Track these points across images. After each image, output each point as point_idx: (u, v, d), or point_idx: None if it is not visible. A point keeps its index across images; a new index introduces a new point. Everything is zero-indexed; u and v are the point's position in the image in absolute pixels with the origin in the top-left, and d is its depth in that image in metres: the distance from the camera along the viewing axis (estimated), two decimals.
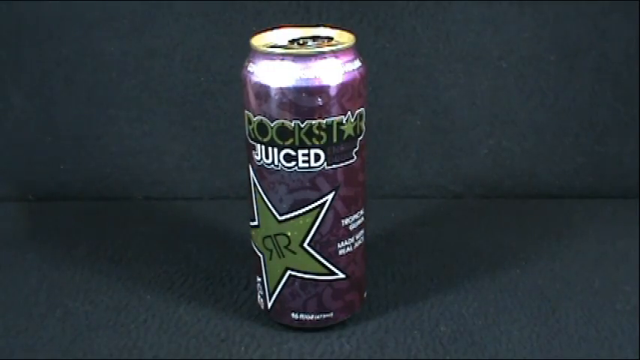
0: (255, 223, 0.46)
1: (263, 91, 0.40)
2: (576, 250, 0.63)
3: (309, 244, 0.44)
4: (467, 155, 0.74)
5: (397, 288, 0.56)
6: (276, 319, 0.49)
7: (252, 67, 0.42)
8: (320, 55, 0.40)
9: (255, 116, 0.41)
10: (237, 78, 0.44)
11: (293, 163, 0.41)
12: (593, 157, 0.75)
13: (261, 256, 0.47)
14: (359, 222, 0.46)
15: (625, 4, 0.70)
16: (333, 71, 0.40)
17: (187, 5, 0.70)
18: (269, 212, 0.44)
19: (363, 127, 0.43)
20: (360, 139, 0.43)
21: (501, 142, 0.74)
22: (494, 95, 0.73)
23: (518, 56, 0.72)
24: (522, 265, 0.60)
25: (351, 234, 0.46)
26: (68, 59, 0.72)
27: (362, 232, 0.47)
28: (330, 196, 0.42)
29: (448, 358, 0.47)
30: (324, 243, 0.44)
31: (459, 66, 0.72)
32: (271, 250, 0.45)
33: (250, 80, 0.41)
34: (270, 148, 0.41)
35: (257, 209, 0.45)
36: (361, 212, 0.46)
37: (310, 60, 0.39)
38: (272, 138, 0.41)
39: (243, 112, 0.44)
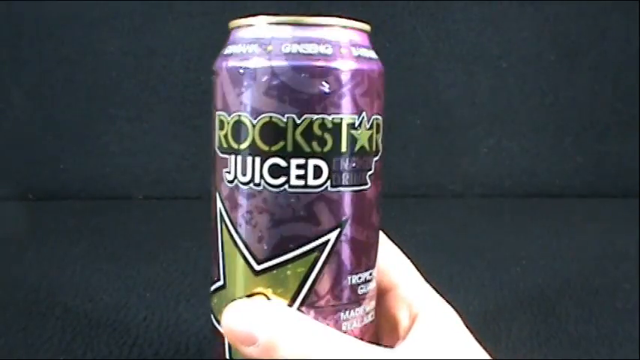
0: (220, 283, 0.32)
1: (246, 74, 0.28)
2: (576, 249, 0.63)
3: (298, 309, 0.29)
4: (467, 154, 0.74)
5: None
6: None
7: (229, 49, 0.30)
8: (329, 25, 0.29)
9: (230, 114, 0.29)
10: None
11: (282, 180, 0.28)
12: (593, 156, 0.75)
13: (225, 343, 0.31)
14: (370, 286, 0.31)
15: (625, 4, 0.70)
16: (345, 50, 0.28)
17: (187, 5, 0.70)
18: (242, 260, 0.30)
19: (380, 145, 0.31)
20: (375, 159, 0.30)
21: (501, 141, 0.74)
22: (494, 95, 0.73)
23: (518, 56, 0.72)
24: (522, 264, 0.60)
25: (359, 301, 0.30)
26: (68, 59, 0.72)
27: (373, 303, 0.31)
28: (333, 235, 0.29)
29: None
30: (321, 311, 0.29)
31: (459, 65, 0.72)
32: None
33: (225, 66, 0.30)
34: (249, 159, 0.29)
35: (223, 261, 0.31)
36: (373, 272, 0.31)
37: (315, 29, 0.28)
38: (253, 142, 0.28)
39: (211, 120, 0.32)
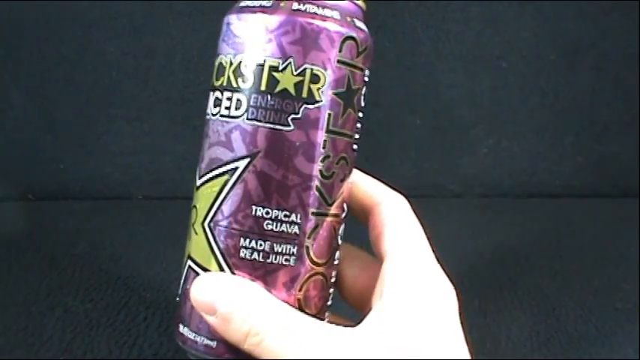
0: None
1: (223, 24, 0.35)
2: (576, 249, 0.63)
3: (208, 224, 0.34)
4: (467, 154, 0.74)
5: None
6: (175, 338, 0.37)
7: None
8: None
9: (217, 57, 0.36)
10: None
11: (217, 109, 0.34)
12: (593, 156, 0.75)
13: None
14: (286, 228, 0.33)
15: (625, 4, 0.70)
16: (285, 4, 0.33)
17: (187, 5, 0.70)
18: (196, 176, 0.36)
19: (321, 96, 0.33)
20: (309, 106, 0.33)
21: (501, 141, 0.74)
22: (494, 95, 0.73)
23: (518, 56, 0.72)
24: (522, 264, 0.60)
25: (264, 236, 0.33)
26: (68, 59, 0.72)
27: (291, 248, 0.33)
28: (242, 163, 0.33)
29: None
30: (224, 229, 0.33)
31: (459, 65, 0.72)
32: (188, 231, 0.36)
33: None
34: (210, 93, 0.35)
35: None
36: (293, 217, 0.33)
37: None
38: (212, 79, 0.35)
39: None
